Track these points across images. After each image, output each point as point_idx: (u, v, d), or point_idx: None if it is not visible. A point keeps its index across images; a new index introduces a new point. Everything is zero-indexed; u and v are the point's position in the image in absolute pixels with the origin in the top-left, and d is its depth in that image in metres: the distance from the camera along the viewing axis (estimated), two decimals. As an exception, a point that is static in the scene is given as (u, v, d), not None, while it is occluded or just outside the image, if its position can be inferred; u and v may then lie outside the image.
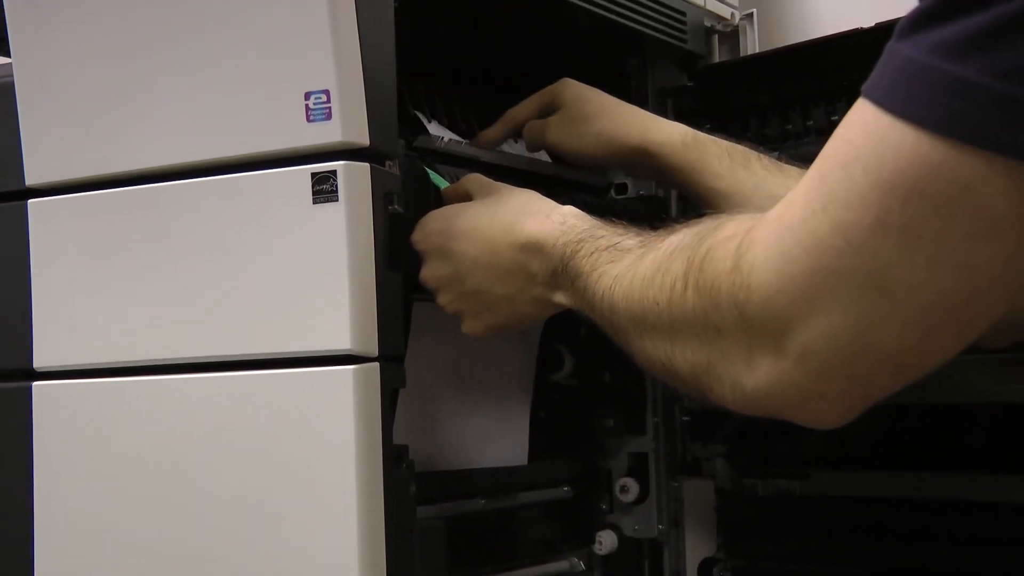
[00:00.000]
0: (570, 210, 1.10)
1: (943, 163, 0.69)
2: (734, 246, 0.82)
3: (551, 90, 1.37)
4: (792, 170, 1.26)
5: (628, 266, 0.96)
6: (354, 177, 1.03)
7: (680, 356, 0.89)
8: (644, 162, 1.34)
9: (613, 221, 1.06)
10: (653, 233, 0.98)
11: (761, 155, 1.28)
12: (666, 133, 1.31)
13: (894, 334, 0.75)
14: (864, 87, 0.74)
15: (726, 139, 1.31)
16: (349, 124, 1.03)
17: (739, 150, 1.29)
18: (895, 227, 0.71)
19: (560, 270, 1.06)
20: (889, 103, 0.71)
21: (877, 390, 0.80)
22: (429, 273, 1.15)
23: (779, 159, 1.29)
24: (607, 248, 1.01)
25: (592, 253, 1.02)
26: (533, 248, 1.09)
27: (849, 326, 0.76)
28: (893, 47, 0.72)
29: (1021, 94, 0.66)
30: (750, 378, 0.83)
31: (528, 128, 1.37)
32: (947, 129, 0.68)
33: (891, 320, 0.75)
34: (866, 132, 0.72)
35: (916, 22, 0.70)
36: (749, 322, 0.81)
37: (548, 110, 1.37)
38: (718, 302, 0.83)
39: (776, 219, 0.79)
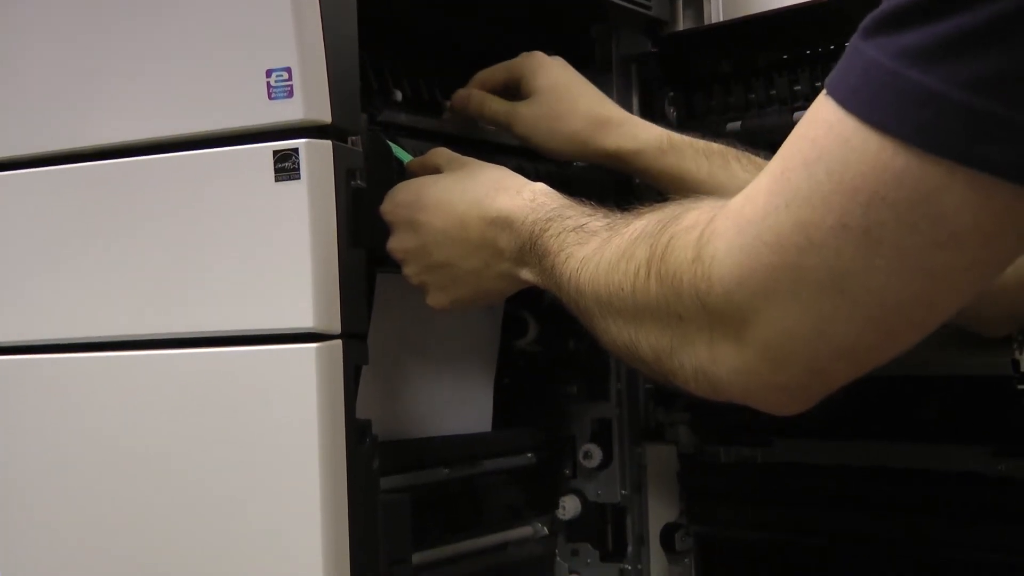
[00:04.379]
0: (540, 187, 1.10)
1: (906, 171, 0.69)
2: (695, 236, 0.82)
3: (522, 67, 1.35)
4: None
5: (594, 250, 0.97)
6: (316, 155, 1.03)
7: (644, 341, 0.90)
8: (618, 166, 1.34)
9: (582, 201, 1.06)
10: (619, 216, 0.98)
11: (740, 154, 1.28)
12: (642, 139, 1.30)
13: (852, 332, 0.76)
14: (828, 82, 0.74)
15: (703, 139, 1.30)
16: (311, 102, 1.03)
17: (716, 151, 1.29)
18: (856, 230, 0.71)
19: (528, 247, 1.07)
20: (854, 106, 0.71)
21: (835, 381, 0.81)
22: (396, 244, 1.15)
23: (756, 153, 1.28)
24: (574, 229, 1.02)
25: (560, 233, 1.03)
26: (502, 223, 1.09)
27: (808, 322, 0.76)
28: (858, 45, 0.72)
29: (984, 105, 0.66)
30: (711, 365, 0.84)
31: (493, 111, 1.34)
32: (910, 137, 0.68)
33: (850, 319, 0.75)
34: (830, 133, 0.72)
35: (881, 23, 0.70)
36: (710, 312, 0.81)
37: (515, 86, 1.35)
38: (679, 291, 0.83)
39: (737, 212, 0.80)
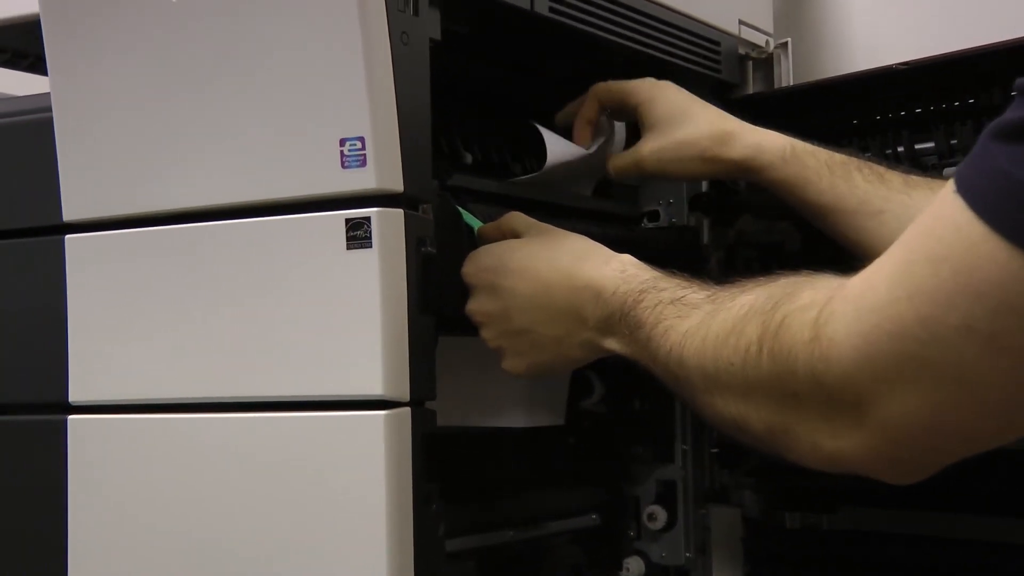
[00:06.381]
0: (628, 259, 1.11)
1: None
2: (812, 317, 0.83)
3: (638, 95, 1.34)
4: (893, 179, 1.24)
5: (698, 323, 0.97)
6: (388, 224, 1.04)
7: (755, 416, 0.91)
8: (744, 177, 1.34)
9: (673, 272, 1.06)
10: (720, 289, 0.98)
11: (862, 164, 1.26)
12: (767, 153, 1.29)
13: (972, 421, 0.77)
14: (957, 176, 0.74)
15: (825, 148, 1.29)
16: (384, 171, 1.04)
17: (839, 161, 1.27)
18: (982, 333, 0.72)
19: (618, 317, 1.07)
20: (982, 210, 0.71)
21: (953, 458, 0.82)
22: (477, 307, 1.15)
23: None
24: (672, 302, 1.01)
25: (656, 305, 1.03)
26: (590, 293, 1.10)
27: (928, 409, 0.77)
28: (988, 146, 0.72)
29: None
30: (829, 441, 0.84)
31: (621, 168, 1.35)
32: None
33: (970, 410, 0.76)
34: (958, 234, 0.73)
35: (1011, 131, 0.71)
36: (828, 392, 0.82)
37: (626, 112, 1.35)
38: (795, 369, 0.84)
39: (857, 298, 0.80)
